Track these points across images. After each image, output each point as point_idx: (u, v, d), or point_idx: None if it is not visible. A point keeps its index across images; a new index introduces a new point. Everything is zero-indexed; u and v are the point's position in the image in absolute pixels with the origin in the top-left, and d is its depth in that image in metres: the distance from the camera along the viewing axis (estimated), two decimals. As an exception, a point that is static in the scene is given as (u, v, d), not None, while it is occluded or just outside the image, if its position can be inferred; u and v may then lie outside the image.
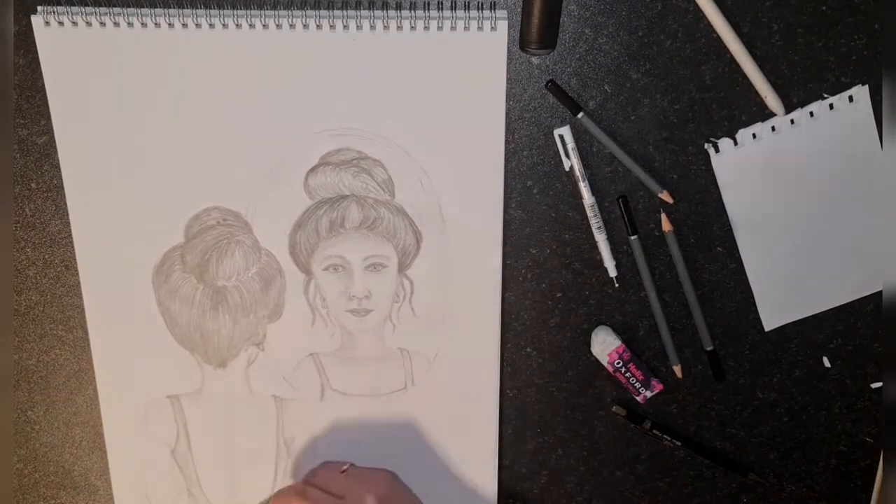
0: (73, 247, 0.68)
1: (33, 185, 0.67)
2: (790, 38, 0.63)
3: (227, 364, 0.70)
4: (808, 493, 0.74)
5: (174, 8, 0.62)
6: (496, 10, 0.62)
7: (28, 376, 0.72)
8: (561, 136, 0.65)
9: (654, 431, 0.71)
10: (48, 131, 0.66)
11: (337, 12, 0.63)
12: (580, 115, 0.64)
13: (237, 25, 0.62)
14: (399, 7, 0.63)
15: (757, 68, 0.63)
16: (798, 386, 0.71)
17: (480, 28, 0.62)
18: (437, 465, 0.72)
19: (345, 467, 0.69)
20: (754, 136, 0.65)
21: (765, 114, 0.65)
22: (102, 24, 0.62)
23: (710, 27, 0.63)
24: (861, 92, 0.64)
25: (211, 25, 0.62)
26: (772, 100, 0.64)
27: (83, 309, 0.69)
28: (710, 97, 0.64)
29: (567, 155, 0.65)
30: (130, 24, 0.62)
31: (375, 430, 0.71)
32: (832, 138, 0.65)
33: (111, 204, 0.67)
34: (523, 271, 0.68)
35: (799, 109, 0.65)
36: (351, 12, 0.63)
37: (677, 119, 0.65)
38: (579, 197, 0.66)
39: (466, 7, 0.62)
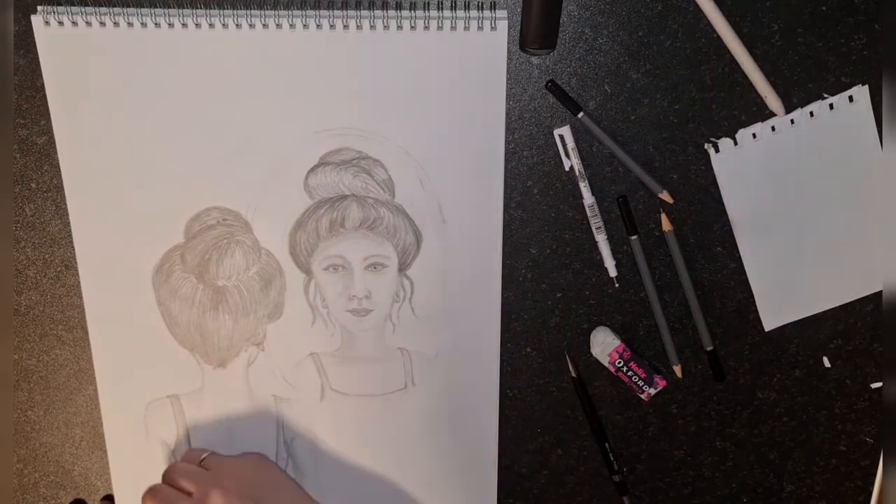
0: (73, 247, 0.68)
1: (33, 185, 0.67)
2: (790, 38, 0.63)
3: (227, 364, 0.70)
4: (808, 493, 0.74)
5: (174, 8, 0.62)
6: (496, 10, 0.62)
7: (28, 376, 0.72)
8: (561, 136, 0.65)
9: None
10: (48, 131, 0.66)
11: (337, 12, 0.63)
12: (580, 115, 0.64)
13: (237, 25, 0.62)
14: (399, 7, 0.63)
15: (757, 68, 0.63)
16: (798, 386, 0.71)
17: (480, 28, 0.62)
18: (437, 464, 0.72)
19: (204, 456, 0.67)
20: (754, 136, 0.65)
21: (765, 114, 0.65)
22: (102, 24, 0.62)
23: (710, 27, 0.63)
24: (861, 92, 0.64)
25: (211, 25, 0.62)
26: (772, 100, 0.64)
27: (83, 309, 0.69)
28: (710, 97, 0.64)
29: (567, 155, 0.65)
30: (130, 24, 0.62)
31: (375, 430, 0.71)
32: (832, 138, 0.65)
33: (111, 204, 0.67)
34: (523, 271, 0.68)
35: (799, 109, 0.65)
36: (351, 12, 0.63)
37: (677, 119, 0.65)
38: (579, 197, 0.66)
39: (466, 7, 0.62)
